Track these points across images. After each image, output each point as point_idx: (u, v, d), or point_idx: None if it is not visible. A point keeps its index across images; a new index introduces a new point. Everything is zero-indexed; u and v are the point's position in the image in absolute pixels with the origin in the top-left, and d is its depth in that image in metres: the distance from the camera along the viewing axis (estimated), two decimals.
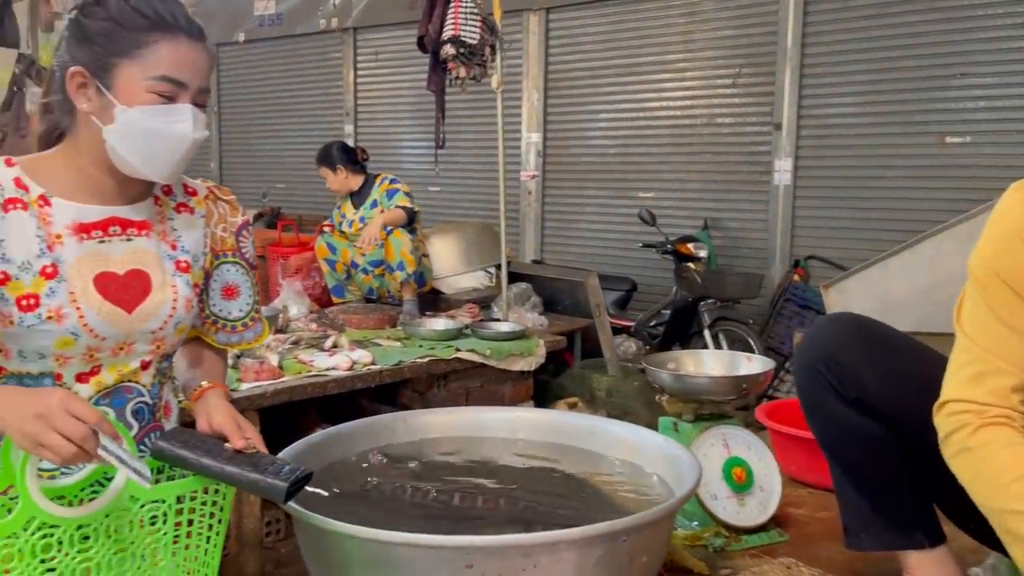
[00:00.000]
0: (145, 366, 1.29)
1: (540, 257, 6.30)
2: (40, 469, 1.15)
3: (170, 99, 1.19)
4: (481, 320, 3.82)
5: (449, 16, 3.62)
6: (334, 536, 1.25)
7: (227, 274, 1.38)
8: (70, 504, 1.17)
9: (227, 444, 1.25)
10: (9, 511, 1.13)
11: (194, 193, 1.37)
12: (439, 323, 3.61)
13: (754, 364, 1.87)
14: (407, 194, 4.17)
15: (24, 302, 1.16)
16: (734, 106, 5.52)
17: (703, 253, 5.19)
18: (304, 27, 7.52)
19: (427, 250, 4.24)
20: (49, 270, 1.19)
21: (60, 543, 1.09)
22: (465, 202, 6.70)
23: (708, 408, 1.87)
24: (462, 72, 3.67)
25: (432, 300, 4.26)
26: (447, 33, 3.60)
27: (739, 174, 5.53)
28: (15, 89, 3.99)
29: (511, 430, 1.84)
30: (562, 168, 6.37)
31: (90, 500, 1.17)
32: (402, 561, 1.23)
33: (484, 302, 4.16)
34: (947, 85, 4.70)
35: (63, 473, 1.21)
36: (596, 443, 1.77)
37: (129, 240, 1.26)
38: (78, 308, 1.20)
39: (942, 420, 1.33)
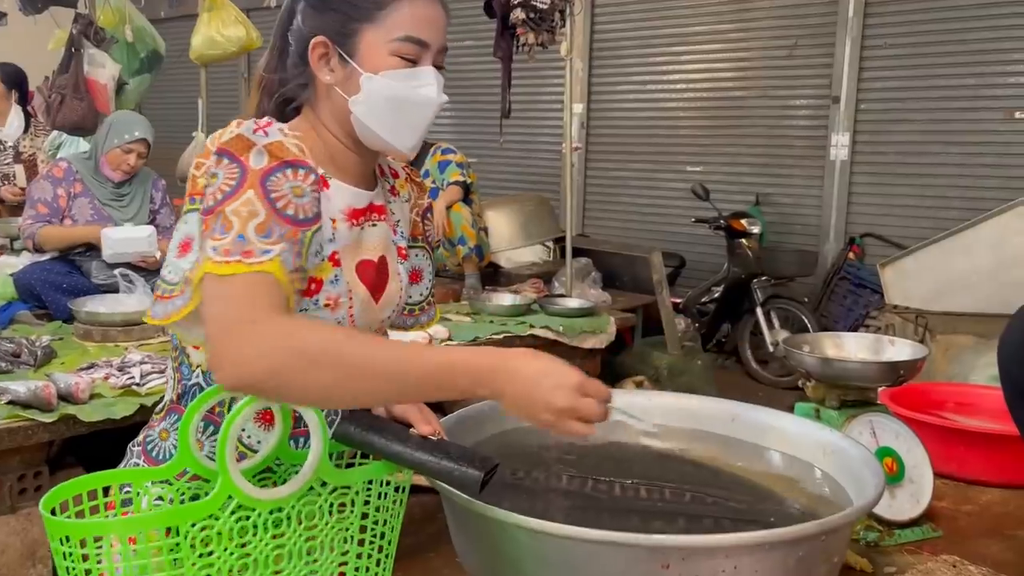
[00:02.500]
0: None
1: (582, 231, 6.20)
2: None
3: (413, 61, 1.11)
4: (547, 296, 3.73)
5: None
6: (517, 531, 1.16)
7: (414, 259, 1.31)
8: None
9: (412, 430, 1.17)
10: (185, 497, 1.05)
11: (396, 175, 1.30)
12: (506, 298, 3.52)
13: (903, 349, 1.77)
14: (460, 164, 4.05)
15: (308, 286, 1.08)
16: (790, 78, 5.38)
17: (756, 229, 5.09)
18: None
19: (485, 223, 4.14)
20: (337, 256, 1.11)
21: (255, 527, 1.02)
22: (508, 174, 6.57)
23: (853, 395, 1.77)
24: (531, 38, 3.54)
25: (492, 274, 4.17)
26: None
27: (794, 149, 5.40)
28: (73, 50, 3.87)
29: (644, 414, 1.74)
30: (606, 140, 6.24)
31: (261, 485, 1.09)
32: (593, 559, 1.13)
33: (545, 276, 4.06)
34: (1018, 59, 4.56)
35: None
36: (739, 430, 1.67)
37: (375, 225, 1.20)
38: (351, 298, 1.13)
39: None
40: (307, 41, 1.11)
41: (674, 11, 5.81)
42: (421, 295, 1.34)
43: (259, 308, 0.94)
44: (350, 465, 1.19)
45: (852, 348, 1.83)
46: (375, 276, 1.18)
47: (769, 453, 1.61)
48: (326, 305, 1.10)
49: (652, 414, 1.76)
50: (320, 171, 1.10)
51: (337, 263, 1.11)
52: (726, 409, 1.72)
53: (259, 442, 1.13)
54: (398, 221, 1.26)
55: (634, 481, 1.48)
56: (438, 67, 1.14)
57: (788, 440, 1.60)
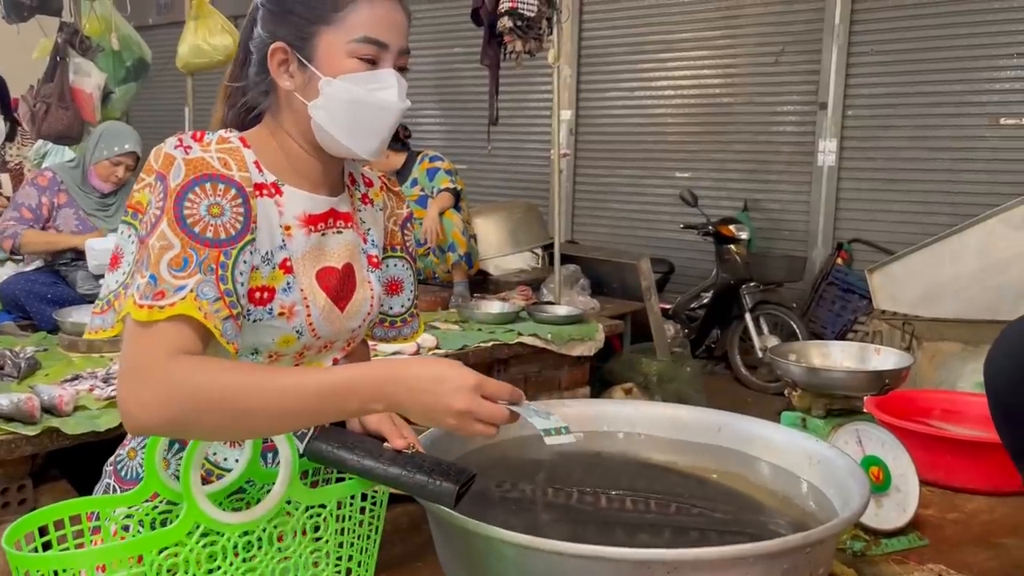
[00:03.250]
0: (335, 363, 1.22)
1: (571, 237, 6.20)
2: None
3: (372, 62, 1.09)
4: (535, 303, 3.72)
5: None
6: (501, 546, 1.15)
7: (392, 268, 1.29)
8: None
9: (386, 444, 1.16)
10: (159, 522, 1.04)
11: (371, 184, 1.28)
12: (495, 306, 3.51)
13: (889, 358, 1.78)
14: (448, 172, 4.04)
15: (257, 295, 1.06)
16: (777, 85, 5.40)
17: (745, 235, 5.10)
18: None
19: (473, 231, 4.14)
20: (289, 264, 1.10)
21: (224, 552, 1.00)
22: (497, 181, 6.57)
23: (839, 404, 1.77)
24: (518, 46, 3.54)
25: (481, 282, 4.16)
26: (504, 5, 3.47)
27: (781, 155, 5.42)
28: (58, 59, 3.85)
29: (630, 424, 1.74)
30: (594, 147, 6.25)
31: (234, 509, 1.08)
32: (578, 574, 1.12)
33: (533, 284, 4.06)
34: (1003, 65, 4.59)
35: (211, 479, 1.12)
36: (724, 440, 1.67)
37: (340, 232, 1.18)
38: (307, 306, 1.11)
39: None
40: (266, 48, 1.10)
41: (662, 18, 5.83)
42: (403, 306, 1.32)
43: (162, 354, 0.94)
44: (327, 481, 1.18)
45: (838, 357, 1.83)
46: (338, 284, 1.16)
47: (755, 463, 1.61)
48: (280, 314, 1.08)
49: (638, 424, 1.76)
50: (268, 179, 1.09)
51: (289, 270, 1.09)
52: (712, 419, 1.72)
53: (225, 459, 1.12)
54: (368, 229, 1.23)
55: (619, 493, 1.48)
56: (400, 69, 1.12)
57: (774, 450, 1.60)
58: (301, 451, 1.13)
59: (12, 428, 2.11)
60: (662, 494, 1.51)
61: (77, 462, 2.30)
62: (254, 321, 1.07)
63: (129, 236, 1.05)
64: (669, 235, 5.74)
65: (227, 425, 0.96)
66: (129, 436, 1.16)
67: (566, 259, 4.16)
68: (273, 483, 1.05)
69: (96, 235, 3.26)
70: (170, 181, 0.99)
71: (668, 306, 5.18)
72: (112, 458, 1.17)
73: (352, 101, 1.08)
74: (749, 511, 1.48)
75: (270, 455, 1.15)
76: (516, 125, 6.26)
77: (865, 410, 1.82)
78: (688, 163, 5.80)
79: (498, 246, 4.32)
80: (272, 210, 1.09)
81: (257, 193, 1.07)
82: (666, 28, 5.81)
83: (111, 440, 2.18)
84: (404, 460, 1.13)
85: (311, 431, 1.19)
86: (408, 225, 1.33)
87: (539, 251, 4.58)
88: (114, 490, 1.13)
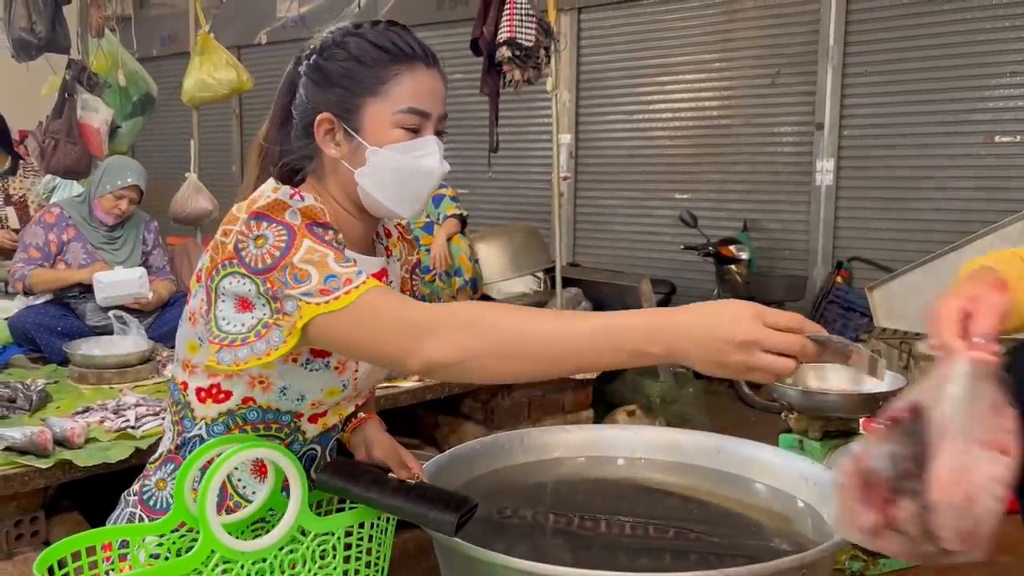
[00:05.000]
0: (357, 408, 1.29)
1: (573, 259, 6.24)
2: None
3: (415, 131, 1.14)
4: None
5: (504, 18, 3.56)
6: (504, 572, 1.18)
7: None
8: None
9: (390, 474, 1.20)
10: (181, 550, 1.08)
11: (389, 235, 1.34)
12: None
13: (883, 380, 1.82)
14: (453, 198, 4.11)
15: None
16: (774, 106, 5.46)
17: (745, 255, 5.14)
18: (327, 29, 7.45)
19: (476, 255, 4.19)
20: None
21: None
22: (498, 204, 6.63)
23: (836, 425, 1.81)
24: (517, 75, 3.61)
25: None
26: (503, 35, 3.54)
27: (780, 175, 5.47)
28: (66, 96, 3.92)
29: (630, 448, 1.78)
30: (594, 170, 6.31)
31: (255, 536, 1.12)
32: None
33: (536, 307, 4.10)
34: (997, 84, 4.65)
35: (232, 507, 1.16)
36: (723, 463, 1.70)
37: None
38: (357, 361, 1.16)
39: None
40: (312, 116, 1.15)
41: (659, 42, 5.90)
42: None
43: (407, 304, 1.00)
44: (340, 511, 1.22)
45: (833, 380, 1.87)
46: None
47: (754, 485, 1.64)
48: (335, 368, 1.14)
49: (638, 449, 1.79)
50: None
51: None
52: (711, 442, 1.75)
53: (254, 492, 1.16)
54: (391, 282, 1.29)
55: (620, 518, 1.51)
56: (439, 133, 1.18)
57: (772, 472, 1.63)
58: (311, 483, 1.18)
59: (25, 461, 2.15)
60: (662, 518, 1.55)
61: (88, 493, 2.34)
62: (311, 370, 1.12)
63: (240, 283, 1.04)
64: (670, 256, 5.78)
65: (521, 369, 0.98)
66: (154, 468, 1.20)
67: (568, 282, 4.21)
68: None
69: (103, 268, 3.31)
70: (287, 218, 1.04)
71: None
72: (136, 487, 1.21)
73: (397, 168, 1.14)
74: (747, 533, 1.51)
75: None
76: (517, 149, 6.33)
77: (862, 431, 1.86)
78: (688, 184, 5.85)
79: (500, 270, 4.37)
80: None
81: None
82: (663, 52, 5.89)
83: (121, 472, 2.22)
84: (407, 490, 1.18)
85: (317, 465, 1.23)
86: (416, 271, 1.39)
87: (541, 274, 4.63)
88: (141, 519, 1.17)
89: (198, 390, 1.15)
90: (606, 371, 3.64)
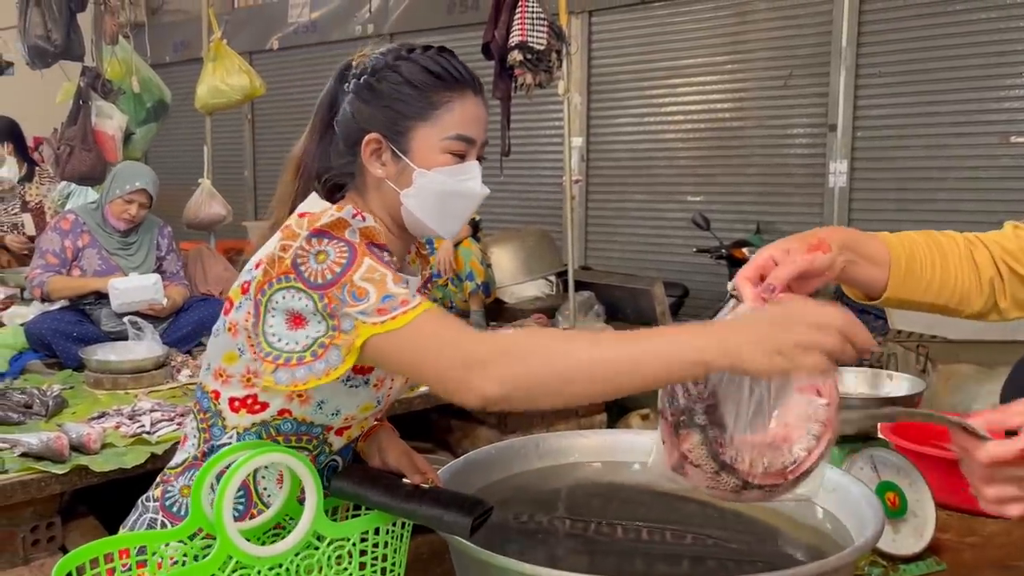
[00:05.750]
0: (378, 420, 1.31)
1: (585, 263, 6.24)
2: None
3: (461, 157, 1.17)
4: None
5: (516, 21, 3.56)
6: None
7: None
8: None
9: (405, 479, 1.20)
10: (199, 556, 1.08)
11: (409, 251, 1.35)
12: None
13: (902, 383, 1.80)
14: None
15: (360, 364, 1.10)
16: (786, 108, 5.44)
17: None
18: (339, 33, 7.48)
19: (489, 259, 4.19)
20: None
21: None
22: (510, 208, 6.63)
23: (854, 428, 1.79)
24: (529, 79, 3.61)
25: (496, 310, 4.20)
26: (514, 39, 3.54)
27: (793, 177, 5.44)
28: (81, 103, 3.95)
29: (647, 453, 1.76)
30: (606, 173, 6.30)
31: (273, 542, 1.12)
32: None
33: (549, 311, 4.09)
34: (1012, 84, 4.61)
35: (243, 515, 1.16)
36: None
37: None
38: (393, 379, 1.18)
39: None
40: (358, 135, 1.16)
41: (670, 44, 5.89)
42: None
43: (463, 332, 1.00)
44: (355, 516, 1.22)
45: (851, 383, 1.85)
46: None
47: None
48: (374, 384, 1.15)
49: (654, 453, 1.78)
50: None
51: None
52: None
53: (273, 498, 1.17)
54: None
55: (637, 523, 1.50)
56: (479, 159, 1.21)
57: None
58: (326, 489, 1.18)
59: (42, 467, 2.16)
60: (679, 524, 1.54)
61: (103, 498, 2.35)
62: (351, 387, 1.13)
63: (295, 298, 1.03)
64: (682, 258, 5.76)
65: (582, 394, 1.00)
66: (176, 473, 1.20)
67: (580, 285, 4.20)
68: None
69: (118, 275, 3.33)
70: (347, 236, 1.05)
71: None
72: (156, 493, 1.21)
73: (442, 192, 1.16)
74: (765, 539, 1.50)
75: None
76: (528, 152, 6.33)
77: (880, 435, 1.84)
78: (700, 187, 5.84)
79: (512, 274, 4.37)
80: None
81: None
82: (674, 55, 5.87)
83: (136, 477, 2.22)
84: (421, 494, 1.17)
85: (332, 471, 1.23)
86: (428, 285, 1.40)
87: (553, 278, 4.63)
88: (162, 525, 1.17)
89: (231, 400, 1.14)
90: None
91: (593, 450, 1.77)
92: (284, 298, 1.03)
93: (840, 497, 1.51)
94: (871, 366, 2.44)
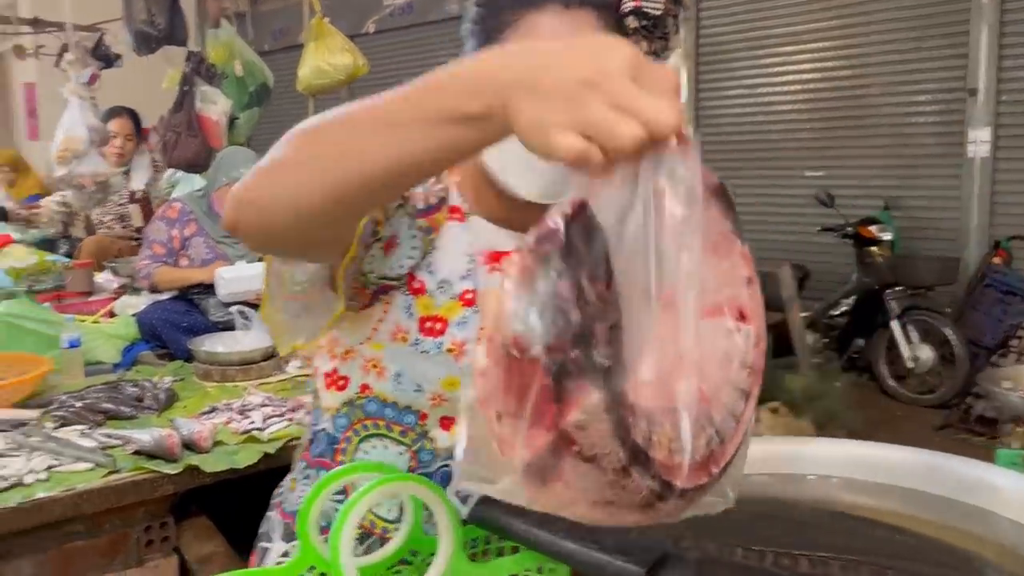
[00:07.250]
0: None
1: None
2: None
3: None
4: None
5: None
6: None
7: None
8: None
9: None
10: None
11: None
12: None
13: None
14: None
15: (428, 324, 0.98)
16: (916, 72, 5.01)
17: (888, 236, 4.76)
18: (435, 14, 7.36)
19: None
20: (469, 296, 1.00)
21: None
22: None
23: None
24: (644, 47, 3.35)
25: None
26: (628, 5, 3.28)
27: (926, 147, 5.02)
28: (185, 88, 3.93)
29: (827, 467, 1.53)
30: (715, 147, 5.98)
31: None
32: None
33: None
34: None
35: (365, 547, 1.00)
36: (937, 485, 1.44)
37: None
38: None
39: None
40: None
41: (783, 9, 5.52)
42: None
43: None
44: (499, 552, 1.04)
45: None
46: None
47: (978, 514, 1.38)
48: (449, 350, 0.98)
49: (835, 467, 1.55)
50: (464, 204, 1.02)
51: (470, 303, 0.99)
52: (920, 460, 1.48)
53: (388, 510, 1.03)
54: None
55: (820, 554, 1.28)
56: None
57: (1001, 499, 1.37)
58: (464, 517, 1.00)
59: (154, 466, 2.07)
60: (872, 554, 1.31)
61: (214, 495, 2.26)
62: (422, 352, 0.98)
63: None
64: (801, 238, 5.41)
65: (296, 180, 0.68)
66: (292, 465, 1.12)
67: None
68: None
69: (224, 264, 3.26)
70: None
71: (806, 314, 4.87)
72: (279, 488, 1.14)
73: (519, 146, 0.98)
74: (974, 573, 1.26)
75: None
76: None
77: None
78: (819, 161, 5.46)
79: None
80: (463, 237, 1.00)
81: (453, 216, 1.01)
82: (788, 20, 5.50)
83: (248, 476, 2.12)
84: (582, 532, 0.98)
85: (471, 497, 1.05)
86: None
87: None
88: (278, 524, 1.10)
89: (325, 375, 1.06)
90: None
91: (764, 460, 1.55)
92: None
93: None
94: None
